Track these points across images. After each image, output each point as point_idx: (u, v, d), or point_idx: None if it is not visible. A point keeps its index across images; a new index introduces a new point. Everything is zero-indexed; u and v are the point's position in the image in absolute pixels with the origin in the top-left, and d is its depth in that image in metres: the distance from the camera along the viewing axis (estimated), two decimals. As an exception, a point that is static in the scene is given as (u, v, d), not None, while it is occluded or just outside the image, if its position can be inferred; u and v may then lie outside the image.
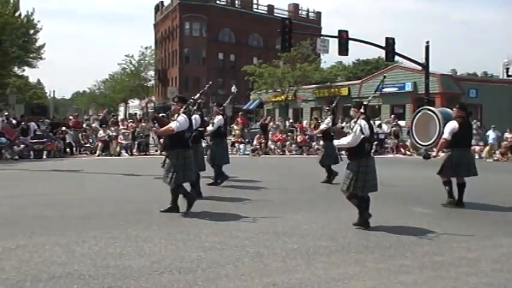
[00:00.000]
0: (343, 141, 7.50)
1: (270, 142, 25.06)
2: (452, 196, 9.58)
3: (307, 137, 25.73)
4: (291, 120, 33.31)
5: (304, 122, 32.20)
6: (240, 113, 30.42)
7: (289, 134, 26.97)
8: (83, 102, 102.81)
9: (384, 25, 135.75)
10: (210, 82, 10.78)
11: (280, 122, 30.09)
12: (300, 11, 66.79)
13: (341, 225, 7.48)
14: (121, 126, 23.30)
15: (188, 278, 4.97)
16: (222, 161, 11.97)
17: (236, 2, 63.59)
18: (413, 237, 6.85)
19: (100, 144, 21.70)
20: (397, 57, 27.68)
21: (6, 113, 26.73)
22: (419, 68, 27.64)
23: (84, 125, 24.98)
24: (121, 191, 10.98)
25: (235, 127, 26.75)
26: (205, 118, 12.50)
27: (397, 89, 32.39)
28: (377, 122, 25.50)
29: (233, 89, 40.85)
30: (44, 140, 20.64)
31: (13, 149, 19.40)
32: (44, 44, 49.25)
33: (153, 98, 69.16)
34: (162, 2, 68.25)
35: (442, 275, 5.25)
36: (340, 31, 25.65)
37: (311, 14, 69.07)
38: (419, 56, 26.60)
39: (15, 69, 49.78)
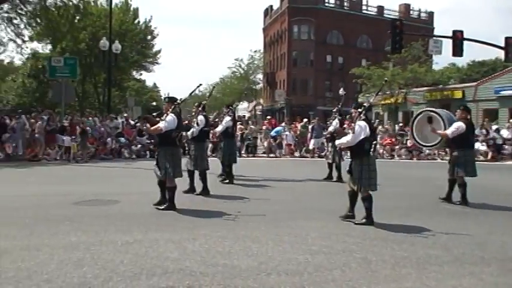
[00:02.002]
0: (343, 140, 7.95)
1: (378, 146, 24.49)
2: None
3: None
4: (400, 124, 32.37)
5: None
6: (347, 116, 29.97)
7: (398, 138, 26.23)
8: (192, 104, 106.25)
9: (499, 24, 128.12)
10: (200, 83, 10.64)
11: (389, 125, 29.34)
12: (411, 11, 64.72)
13: (454, 235, 7.15)
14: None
15: (295, 281, 5.00)
16: (230, 160, 12.49)
17: (345, 3, 62.90)
18: (534, 251, 6.42)
19: (210, 145, 22.34)
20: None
21: (125, 115, 28.38)
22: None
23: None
24: (228, 191, 11.22)
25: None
26: (216, 119, 14.35)
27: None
28: (494, 127, 24.13)
29: (341, 91, 40.35)
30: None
31: (131, 149, 20.54)
32: (160, 50, 51.69)
33: (261, 101, 70.19)
34: (271, 7, 69.04)
35: None
36: (454, 31, 24.62)
37: (423, 14, 66.65)
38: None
39: (134, 73, 52.74)
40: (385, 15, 61.82)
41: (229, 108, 12.85)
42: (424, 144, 11.04)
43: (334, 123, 13.08)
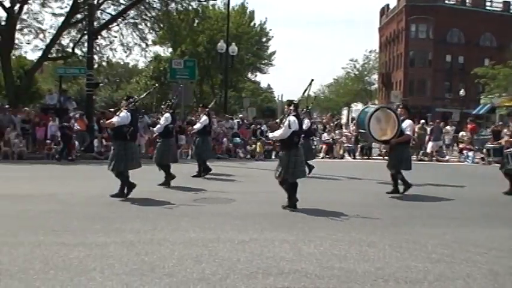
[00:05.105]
0: (276, 133, 8.95)
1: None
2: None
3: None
4: (527, 127, 30.26)
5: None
6: (469, 119, 28.56)
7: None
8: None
9: None
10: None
11: (514, 128, 27.51)
12: (541, 6, 60.36)
13: None
14: (344, 130, 23.62)
15: (414, 289, 4.81)
16: (206, 156, 13.73)
17: (467, 0, 59.95)
18: None
19: (324, 146, 22.25)
20: None
21: (240, 115, 29.02)
22: None
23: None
24: (342, 194, 11.08)
25: (463, 133, 25.16)
26: (192, 118, 16.32)
27: None
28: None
29: (461, 92, 38.63)
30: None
31: (246, 149, 20.95)
32: (275, 51, 52.32)
33: (376, 102, 68.73)
34: (387, 5, 67.43)
35: None
36: None
37: (556, 9, 61.91)
38: None
39: (249, 74, 53.80)
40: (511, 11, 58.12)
41: (208, 108, 14.14)
42: (380, 139, 11.25)
43: (306, 123, 13.53)
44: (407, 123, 10.95)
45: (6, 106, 23.34)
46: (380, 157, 22.27)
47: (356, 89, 66.06)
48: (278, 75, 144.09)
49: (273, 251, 6.00)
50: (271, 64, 53.74)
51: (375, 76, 68.23)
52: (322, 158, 21.72)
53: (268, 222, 7.68)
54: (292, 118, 8.67)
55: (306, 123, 13.56)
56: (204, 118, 13.53)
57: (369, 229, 7.34)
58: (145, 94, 12.36)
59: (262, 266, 5.39)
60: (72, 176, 13.53)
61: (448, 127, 25.42)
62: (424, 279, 5.10)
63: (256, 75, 57.71)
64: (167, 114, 11.89)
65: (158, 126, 12.07)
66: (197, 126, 13.68)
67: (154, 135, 12.97)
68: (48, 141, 19.28)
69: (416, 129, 23.87)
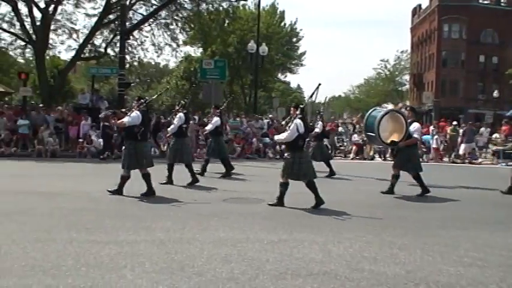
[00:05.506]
0: (282, 136, 9.10)
1: None
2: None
3: None
4: None
5: None
6: (504, 121, 28.01)
7: None
8: (338, 106, 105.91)
9: None
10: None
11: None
12: None
13: None
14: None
15: (446, 293, 4.74)
16: (219, 155, 13.68)
17: (502, 0, 58.76)
18: None
19: (354, 147, 22.11)
20: None
21: (270, 115, 29.04)
22: None
23: (339, 129, 25.75)
24: (371, 195, 10.96)
25: (497, 135, 24.69)
26: (204, 119, 16.61)
27: None
28: None
29: (495, 93, 37.94)
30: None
31: (275, 149, 20.94)
32: (305, 52, 52.18)
33: (407, 103, 67.92)
34: (419, 6, 66.56)
35: None
36: None
37: None
38: None
39: (279, 75, 53.78)
40: (549, 11, 56.74)
41: (219, 109, 14.05)
42: (387, 142, 11.12)
43: (319, 126, 14.32)
44: (415, 126, 10.96)
45: (40, 105, 23.83)
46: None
47: (387, 90, 65.50)
48: (308, 75, 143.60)
49: (302, 251, 5.98)
50: (302, 64, 53.69)
51: (406, 77, 67.56)
52: (352, 158, 21.61)
53: (297, 223, 7.66)
54: (298, 121, 8.80)
55: (319, 126, 14.21)
56: (215, 119, 13.59)
57: (400, 231, 7.26)
58: (156, 96, 12.73)
59: (292, 266, 5.37)
60: (104, 174, 13.71)
61: (482, 129, 24.99)
62: (456, 284, 5.01)
63: (286, 76, 57.71)
64: (181, 114, 11.92)
65: (172, 126, 12.10)
66: (209, 127, 13.80)
67: (168, 135, 13.02)
68: (80, 140, 19.60)
69: (448, 131, 23.59)
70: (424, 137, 23.37)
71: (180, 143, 11.95)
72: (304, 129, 8.87)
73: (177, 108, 12.44)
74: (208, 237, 6.56)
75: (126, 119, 9.72)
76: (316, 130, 14.19)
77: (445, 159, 22.49)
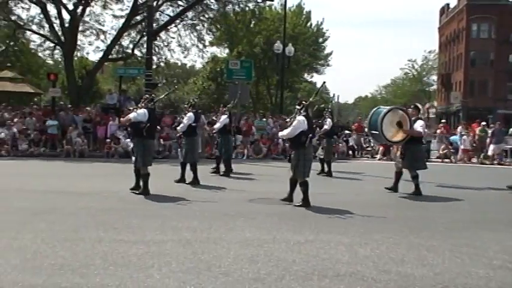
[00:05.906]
0: (284, 132, 9.23)
1: None
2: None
3: None
4: None
5: None
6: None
7: None
8: (365, 107, 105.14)
9: None
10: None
11: None
12: None
13: None
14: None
15: (475, 296, 4.67)
16: (224, 153, 13.73)
17: (532, -1, 57.67)
18: None
19: (381, 148, 21.92)
20: None
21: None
22: None
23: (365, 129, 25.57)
24: (398, 196, 10.85)
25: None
26: (214, 118, 16.86)
27: None
28: None
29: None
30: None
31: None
32: (332, 52, 51.98)
33: (435, 103, 67.12)
34: (447, 5, 65.74)
35: None
36: None
37: None
38: None
39: (305, 75, 53.66)
40: None
41: (226, 108, 14.13)
42: (393, 140, 11.26)
43: (328, 122, 14.23)
44: (420, 124, 10.95)
45: (69, 106, 24.20)
46: (439, 159, 21.78)
47: (414, 90, 64.79)
48: (334, 75, 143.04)
49: (329, 252, 5.95)
50: (328, 65, 53.47)
51: (434, 77, 66.72)
52: (379, 159, 21.44)
53: (323, 224, 7.63)
54: (301, 118, 8.85)
55: (328, 123, 14.19)
56: (223, 117, 13.70)
57: (427, 233, 7.17)
58: (164, 95, 12.99)
59: (318, 267, 5.35)
60: (131, 174, 13.84)
61: (511, 129, 24.57)
62: (485, 286, 4.93)
63: (312, 76, 57.49)
64: (190, 114, 11.99)
65: (181, 125, 12.16)
66: (217, 126, 13.92)
67: (178, 134, 13.02)
68: (108, 140, 19.82)
69: (477, 132, 23.23)
70: (452, 137, 23.11)
71: (191, 142, 12.00)
72: (307, 126, 8.86)
73: (185, 107, 12.69)
74: (234, 238, 6.58)
75: (131, 115, 9.86)
76: (325, 127, 14.17)
77: (474, 160, 22.17)
